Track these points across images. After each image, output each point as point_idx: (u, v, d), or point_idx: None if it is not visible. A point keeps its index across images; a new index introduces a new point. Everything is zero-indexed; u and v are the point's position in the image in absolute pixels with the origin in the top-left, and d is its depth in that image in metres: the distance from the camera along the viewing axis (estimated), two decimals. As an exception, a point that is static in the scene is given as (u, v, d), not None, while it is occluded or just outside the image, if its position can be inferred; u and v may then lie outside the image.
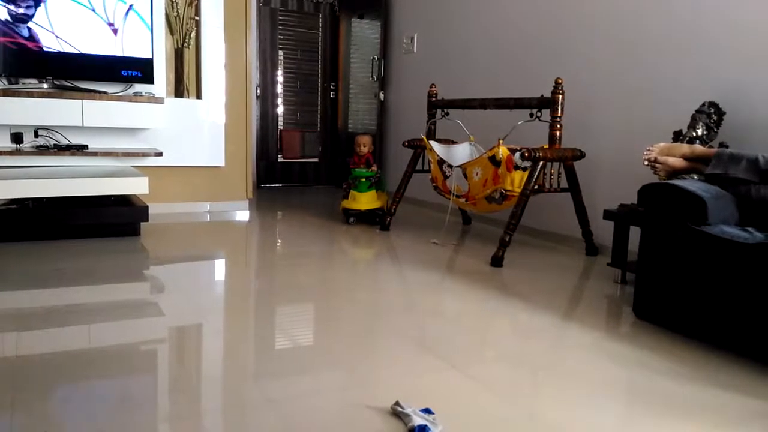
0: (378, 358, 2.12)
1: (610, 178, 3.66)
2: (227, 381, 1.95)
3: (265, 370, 2.01)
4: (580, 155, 3.51)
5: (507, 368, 2.05)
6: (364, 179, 4.38)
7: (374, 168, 4.46)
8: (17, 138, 3.92)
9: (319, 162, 6.79)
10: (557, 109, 3.36)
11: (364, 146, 4.50)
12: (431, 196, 4.69)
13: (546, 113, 3.43)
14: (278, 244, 3.85)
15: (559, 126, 3.39)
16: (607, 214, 3.15)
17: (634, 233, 2.91)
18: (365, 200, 4.40)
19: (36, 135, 4.00)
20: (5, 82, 3.91)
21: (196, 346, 2.27)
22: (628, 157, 3.47)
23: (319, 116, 6.76)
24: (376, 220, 4.44)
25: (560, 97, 3.35)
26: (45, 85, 3.97)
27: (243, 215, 4.71)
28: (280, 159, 6.59)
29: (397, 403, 1.68)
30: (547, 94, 3.40)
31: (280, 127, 6.58)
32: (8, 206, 3.55)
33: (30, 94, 3.85)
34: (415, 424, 1.56)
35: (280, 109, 6.53)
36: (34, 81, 3.97)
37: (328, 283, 3.09)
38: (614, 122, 3.67)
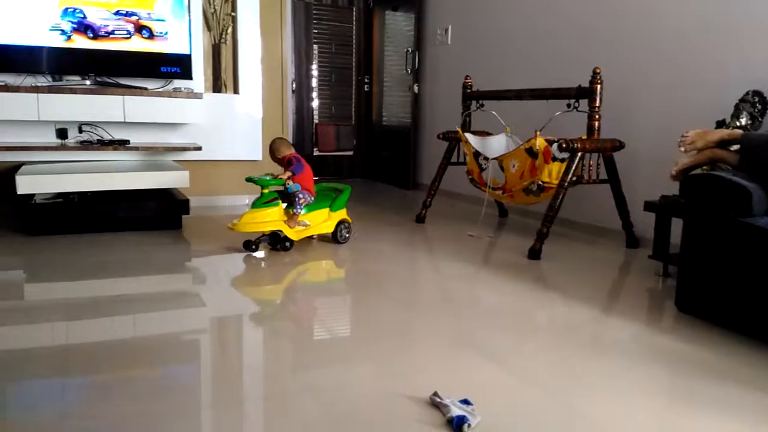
0: (415, 349, 2.13)
1: (651, 169, 3.58)
2: (267, 370, 1.99)
3: (304, 360, 2.04)
4: (620, 146, 3.45)
5: (545, 361, 2.04)
6: (267, 190, 3.27)
7: (284, 176, 3.29)
8: (62, 134, 4.04)
9: (354, 155, 6.82)
10: (596, 99, 3.31)
11: (286, 149, 3.43)
12: (467, 189, 4.66)
13: (584, 103, 3.37)
14: (314, 237, 3.88)
15: (597, 116, 3.34)
16: (648, 206, 3.09)
17: (676, 225, 2.85)
18: (249, 219, 3.22)
19: (80, 131, 4.12)
20: (50, 79, 4.03)
21: (237, 336, 2.31)
22: (670, 148, 3.39)
23: (353, 109, 6.78)
24: (252, 247, 3.32)
25: (598, 86, 3.29)
26: (87, 82, 4.08)
27: (279, 208, 4.77)
28: (315, 152, 6.64)
29: (435, 394, 1.69)
30: (585, 83, 3.35)
31: (315, 120, 6.63)
32: (55, 200, 3.67)
33: (73, 91, 3.95)
34: (454, 415, 1.57)
35: (315, 103, 6.58)
36: (77, 78, 4.08)
37: (364, 275, 3.11)
38: (655, 112, 3.59)
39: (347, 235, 3.59)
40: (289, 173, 3.31)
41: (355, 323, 2.46)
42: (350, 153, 6.81)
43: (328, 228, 3.51)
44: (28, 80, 3.95)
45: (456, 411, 1.59)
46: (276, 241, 3.35)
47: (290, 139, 5.70)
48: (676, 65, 3.46)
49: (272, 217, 3.25)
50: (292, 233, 3.32)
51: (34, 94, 3.84)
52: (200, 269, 3.14)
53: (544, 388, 1.83)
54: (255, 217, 3.23)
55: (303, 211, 3.34)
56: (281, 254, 3.32)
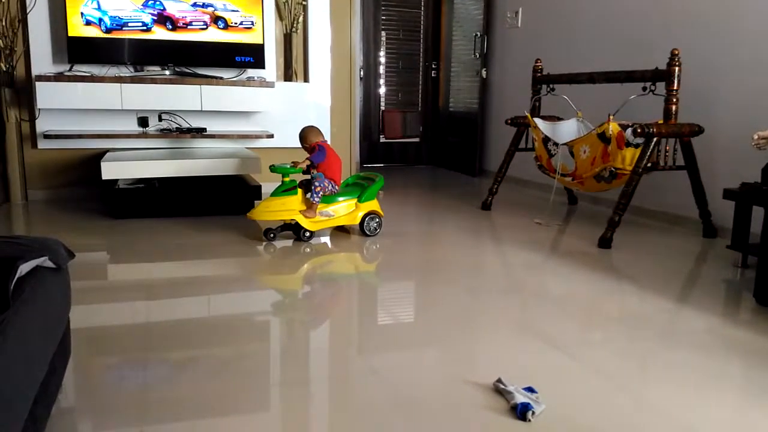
0: (479, 336, 2.14)
1: (731, 155, 3.41)
2: (333, 352, 2.04)
3: (368, 344, 2.08)
4: (698, 131, 3.30)
5: (614, 352, 2.00)
6: (288, 178, 3.24)
7: (302, 164, 3.22)
8: (143, 122, 4.25)
9: (420, 142, 6.82)
10: (673, 82, 3.18)
11: (314, 137, 3.36)
12: (535, 175, 4.59)
13: (660, 86, 3.25)
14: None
15: (675, 100, 3.21)
16: (728, 194, 2.95)
17: (758, 213, 2.71)
18: (264, 208, 3.20)
19: (160, 119, 4.32)
20: (132, 69, 4.23)
21: (303, 319, 2.38)
22: (752, 133, 3.22)
23: (420, 96, 6.77)
24: (270, 236, 3.28)
25: (676, 69, 3.16)
26: (167, 72, 4.26)
27: (347, 194, 4.83)
28: (382, 139, 6.68)
29: (499, 380, 1.69)
30: (662, 65, 3.22)
31: (382, 107, 6.66)
32: (137, 185, 3.87)
33: (154, 81, 4.14)
34: (518, 402, 1.57)
35: (381, 90, 6.61)
36: (157, 68, 4.27)
37: (429, 262, 3.12)
38: (737, 95, 3.41)
39: (375, 228, 3.40)
40: (307, 162, 3.23)
41: (419, 309, 2.48)
42: (416, 140, 6.81)
43: (354, 219, 3.35)
44: (112, 71, 4.17)
45: (520, 398, 1.59)
46: (297, 231, 3.28)
47: (356, 126, 5.76)
48: (761, 44, 3.26)
49: (287, 207, 3.18)
50: (309, 223, 3.22)
51: (118, 84, 4.05)
52: (271, 253, 3.24)
53: (613, 378, 1.80)
54: (270, 205, 3.19)
55: (320, 201, 3.22)
56: (349, 241, 3.37)
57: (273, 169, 3.25)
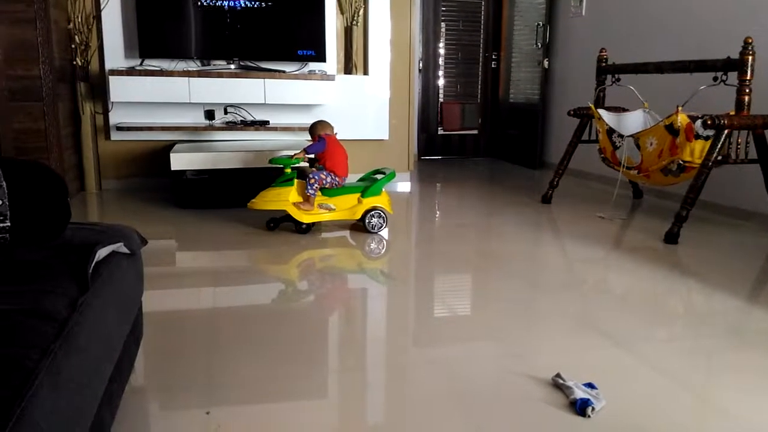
0: (537, 330, 2.12)
1: (812, 148, 3.24)
2: (390, 342, 2.07)
3: (425, 335, 2.10)
4: (774, 122, 3.15)
5: (679, 350, 1.94)
6: (289, 169, 3.25)
7: (299, 155, 3.25)
8: (210, 115, 4.39)
9: (479, 134, 6.76)
10: (746, 72, 3.04)
11: (320, 130, 3.40)
12: (598, 168, 4.48)
13: (732, 76, 3.11)
14: (437, 215, 3.92)
15: (748, 90, 3.07)
16: (806, 189, 2.81)
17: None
18: (261, 197, 3.24)
19: (225, 112, 4.44)
20: (199, 64, 4.37)
21: (362, 309, 2.42)
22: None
23: (479, 87, 6.70)
24: (270, 225, 3.33)
25: (750, 58, 3.02)
26: (232, 66, 4.37)
27: (405, 187, 4.85)
28: (440, 131, 6.66)
29: (558, 375, 1.67)
30: (734, 54, 3.08)
31: (441, 99, 6.63)
32: (202, 176, 3.99)
33: (220, 75, 4.26)
34: (577, 397, 1.55)
35: (440, 82, 6.58)
36: (222, 62, 4.39)
37: (487, 254, 3.11)
38: (819, 84, 3.23)
39: (378, 224, 3.28)
40: (303, 152, 3.26)
41: (477, 301, 2.48)
42: (475, 132, 6.76)
43: (355, 215, 3.26)
44: (180, 65, 4.32)
45: (580, 394, 1.57)
46: (296, 222, 3.26)
47: (415, 118, 5.76)
48: None
49: (281, 197, 3.18)
50: (301, 215, 3.20)
51: (186, 78, 4.19)
52: (330, 245, 3.29)
53: (676, 377, 1.76)
54: (266, 195, 3.22)
55: (315, 194, 3.19)
56: (407, 235, 3.38)
57: (271, 161, 3.32)
